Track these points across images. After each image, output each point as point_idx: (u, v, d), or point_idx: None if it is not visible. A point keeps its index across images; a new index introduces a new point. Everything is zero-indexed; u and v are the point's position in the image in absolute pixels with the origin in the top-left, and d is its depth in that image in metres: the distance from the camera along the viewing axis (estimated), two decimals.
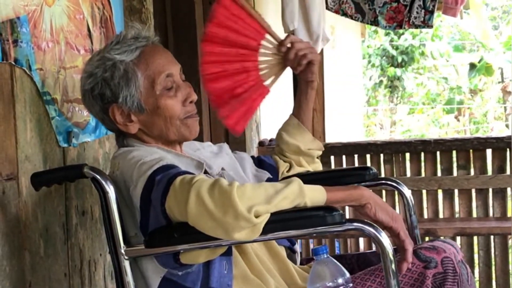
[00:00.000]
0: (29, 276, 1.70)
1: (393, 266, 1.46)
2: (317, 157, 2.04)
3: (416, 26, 3.97)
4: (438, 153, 3.78)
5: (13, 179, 1.65)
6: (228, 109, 1.78)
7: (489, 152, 3.74)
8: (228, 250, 1.60)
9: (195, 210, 1.44)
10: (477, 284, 3.79)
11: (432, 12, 3.88)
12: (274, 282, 1.68)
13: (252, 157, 1.99)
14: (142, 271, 1.63)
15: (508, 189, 3.74)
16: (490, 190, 3.71)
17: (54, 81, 1.83)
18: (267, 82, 1.84)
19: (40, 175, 1.70)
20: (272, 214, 1.45)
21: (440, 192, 3.82)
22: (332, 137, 5.01)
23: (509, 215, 3.74)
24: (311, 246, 3.97)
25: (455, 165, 3.79)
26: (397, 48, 14.24)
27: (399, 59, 14.19)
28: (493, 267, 3.77)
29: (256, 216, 1.42)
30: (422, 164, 3.82)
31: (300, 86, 1.98)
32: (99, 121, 1.80)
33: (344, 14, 4.08)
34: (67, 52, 1.90)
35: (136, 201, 1.57)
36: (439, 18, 10.15)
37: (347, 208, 3.54)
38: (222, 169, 1.81)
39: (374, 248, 3.67)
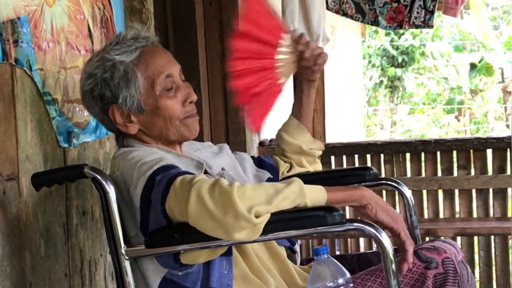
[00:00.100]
0: (30, 276, 1.70)
1: (393, 266, 1.46)
2: (318, 157, 2.04)
3: (417, 26, 3.97)
4: (438, 153, 3.77)
5: (13, 179, 1.65)
6: (249, 107, 1.78)
7: (489, 152, 3.74)
8: (228, 250, 1.60)
9: (195, 210, 1.45)
10: (477, 284, 3.78)
11: (432, 12, 3.89)
12: (274, 282, 1.68)
13: (252, 157, 1.99)
14: (143, 271, 1.63)
15: (509, 189, 3.73)
16: (491, 190, 3.71)
17: (55, 81, 1.83)
18: (281, 81, 1.83)
19: (40, 175, 1.70)
20: (273, 214, 1.45)
21: (440, 192, 3.82)
22: (332, 137, 5.01)
23: (509, 215, 3.74)
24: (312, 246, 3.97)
25: (455, 165, 3.78)
26: (397, 48, 14.24)
27: (400, 59, 14.18)
28: (494, 267, 3.76)
29: (257, 216, 1.42)
30: (423, 164, 3.82)
31: (301, 86, 1.97)
32: (99, 122, 1.80)
33: (345, 14, 4.08)
34: (67, 52, 1.90)
35: (136, 201, 1.57)
36: (439, 18, 10.15)
37: (347, 208, 3.54)
38: (222, 169, 1.81)
39: (374, 248, 3.68)
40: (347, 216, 1.50)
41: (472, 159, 3.74)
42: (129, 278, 1.61)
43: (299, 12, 3.52)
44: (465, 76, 14.62)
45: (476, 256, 3.83)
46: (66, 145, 1.87)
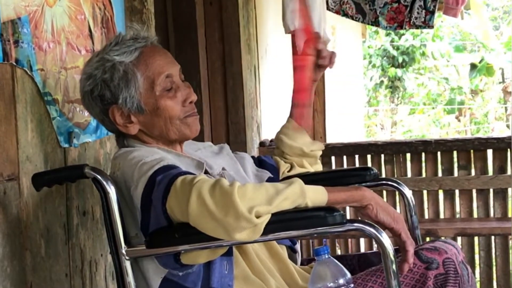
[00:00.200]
0: (30, 276, 1.70)
1: (394, 266, 1.46)
2: (318, 158, 2.04)
3: (417, 27, 3.97)
4: (439, 153, 3.77)
5: (14, 180, 1.65)
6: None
7: (490, 152, 3.74)
8: (229, 251, 1.60)
9: (196, 210, 1.45)
10: (478, 285, 3.78)
11: (433, 13, 3.88)
12: (274, 282, 1.68)
13: (253, 157, 1.99)
14: (143, 271, 1.63)
15: (509, 190, 3.73)
16: (491, 190, 3.71)
17: (55, 82, 1.83)
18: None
19: (41, 176, 1.70)
20: (273, 215, 1.45)
21: (441, 193, 3.82)
22: (333, 137, 5.00)
23: (510, 215, 3.74)
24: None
25: (456, 165, 3.78)
26: (398, 49, 14.23)
27: (400, 60, 14.18)
28: (494, 268, 3.76)
29: (257, 217, 1.42)
30: (423, 164, 3.82)
31: None
32: (99, 122, 1.81)
33: (345, 14, 4.08)
34: (68, 53, 1.90)
35: (137, 201, 1.57)
36: (439, 18, 10.15)
37: (347, 208, 3.54)
38: (223, 169, 1.81)
39: (375, 249, 3.68)
40: (348, 217, 1.50)
41: (472, 159, 3.74)
42: (130, 278, 1.61)
43: (299, 12, 3.51)
44: (465, 76, 14.62)
45: (477, 257, 3.83)
46: (66, 145, 1.87)
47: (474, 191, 3.77)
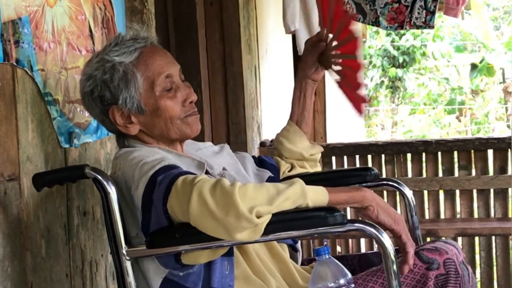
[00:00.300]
0: (31, 276, 1.70)
1: (394, 266, 1.46)
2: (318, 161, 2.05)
3: (418, 27, 3.97)
4: (439, 153, 3.77)
5: (14, 180, 1.65)
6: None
7: (490, 152, 3.74)
8: (230, 251, 1.60)
9: (197, 210, 1.45)
10: (478, 285, 3.78)
11: (433, 13, 3.88)
12: (275, 283, 1.68)
13: (253, 156, 1.99)
14: (144, 271, 1.63)
15: (510, 190, 3.73)
16: (492, 190, 3.71)
17: (56, 82, 1.83)
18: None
19: (41, 176, 1.70)
20: (274, 215, 1.45)
21: (441, 193, 3.82)
22: (333, 137, 5.00)
23: (510, 215, 3.74)
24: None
25: (456, 165, 3.78)
26: (398, 49, 14.22)
27: (401, 60, 14.17)
28: (495, 268, 3.76)
29: (258, 217, 1.42)
30: (424, 164, 3.82)
31: (306, 87, 1.97)
32: (100, 123, 1.81)
33: None
34: (68, 53, 1.90)
35: (138, 201, 1.57)
36: (440, 18, 10.13)
37: (348, 208, 3.54)
38: (224, 169, 1.81)
39: (375, 249, 3.67)
40: (348, 217, 1.50)
41: (473, 159, 3.74)
42: (130, 278, 1.61)
43: (300, 13, 3.52)
44: (466, 76, 14.61)
45: (477, 257, 3.83)
46: (67, 146, 1.87)
47: (474, 191, 3.77)
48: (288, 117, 2.02)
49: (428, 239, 3.43)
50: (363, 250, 4.12)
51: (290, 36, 4.09)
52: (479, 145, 3.72)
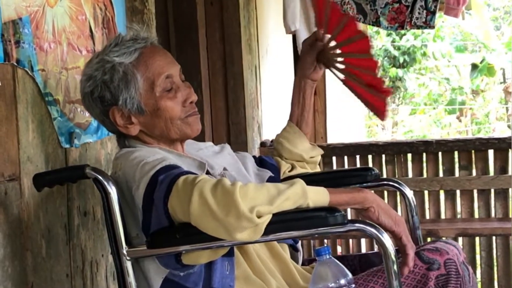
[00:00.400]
0: (31, 277, 1.70)
1: (395, 267, 1.46)
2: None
3: (418, 27, 3.97)
4: (440, 153, 3.77)
5: (15, 180, 1.65)
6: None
7: (491, 152, 3.74)
8: (230, 251, 1.60)
9: (198, 210, 1.45)
10: (479, 285, 3.78)
11: (434, 13, 3.88)
12: (275, 283, 1.68)
13: (254, 156, 1.99)
14: (144, 271, 1.63)
15: (510, 190, 3.73)
16: (492, 190, 3.71)
17: (56, 82, 1.83)
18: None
19: (42, 176, 1.70)
20: (274, 215, 1.45)
21: (442, 193, 3.82)
22: (333, 137, 5.00)
23: (511, 215, 3.74)
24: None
25: (457, 165, 3.78)
26: (399, 49, 14.22)
27: (401, 60, 14.16)
28: (495, 268, 3.76)
29: (258, 217, 1.42)
30: (424, 164, 3.82)
31: (305, 87, 1.97)
32: (100, 123, 1.81)
33: None
34: (69, 53, 1.90)
35: (139, 201, 1.57)
36: (441, 18, 10.13)
37: (348, 209, 3.53)
38: (224, 169, 1.81)
39: (376, 249, 3.67)
40: (349, 217, 1.50)
41: (473, 159, 3.74)
42: (131, 278, 1.61)
43: (300, 13, 3.52)
44: (466, 76, 14.60)
45: (478, 257, 3.83)
46: (67, 146, 1.87)
47: (475, 191, 3.77)
48: (288, 118, 2.02)
49: (429, 239, 3.43)
50: (363, 250, 4.12)
51: (290, 36, 4.09)
52: (480, 145, 3.72)
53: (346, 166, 3.87)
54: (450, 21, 13.86)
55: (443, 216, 3.85)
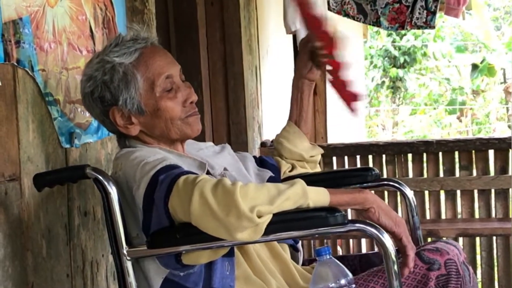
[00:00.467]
0: (32, 277, 1.70)
1: (395, 267, 1.46)
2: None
3: (418, 27, 3.97)
4: (440, 154, 3.77)
5: (15, 180, 1.65)
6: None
7: (491, 153, 3.73)
8: (230, 251, 1.60)
9: (198, 209, 1.45)
10: (479, 285, 3.78)
11: (434, 13, 3.88)
12: (276, 283, 1.68)
13: (254, 157, 1.99)
14: (144, 271, 1.63)
15: (510, 190, 3.73)
16: (493, 191, 3.71)
17: (57, 82, 1.83)
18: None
19: (42, 176, 1.70)
20: (275, 215, 1.45)
21: (442, 193, 3.82)
22: (334, 137, 5.00)
23: (511, 215, 3.74)
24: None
25: (457, 166, 3.78)
26: (399, 49, 14.23)
27: (401, 60, 14.17)
28: (496, 268, 3.76)
29: (259, 216, 1.42)
30: (425, 165, 3.82)
31: (303, 87, 1.97)
32: (100, 123, 1.81)
33: (346, 15, 4.08)
34: (69, 53, 1.90)
35: (139, 201, 1.57)
36: (441, 19, 10.13)
37: (349, 209, 3.53)
38: (225, 169, 1.81)
39: (376, 249, 3.67)
40: (349, 217, 1.51)
41: (474, 159, 3.74)
42: (131, 278, 1.61)
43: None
44: (467, 76, 14.61)
45: (478, 257, 3.83)
46: (68, 146, 1.87)
47: (475, 191, 3.77)
48: (287, 121, 2.02)
49: (429, 240, 3.43)
50: (364, 250, 4.12)
51: (290, 36, 4.09)
52: (480, 146, 3.72)
53: (346, 166, 3.87)
54: (450, 21, 13.87)
55: (443, 216, 3.85)
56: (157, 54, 1.73)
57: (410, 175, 3.85)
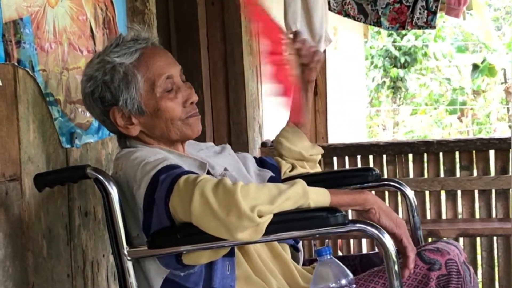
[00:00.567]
0: (32, 277, 1.70)
1: (396, 267, 1.46)
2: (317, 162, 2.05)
3: (419, 27, 3.97)
4: (441, 154, 3.77)
5: (16, 180, 1.65)
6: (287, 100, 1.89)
7: (492, 153, 3.73)
8: (231, 251, 1.60)
9: (199, 209, 1.45)
10: (480, 286, 3.78)
11: (435, 13, 3.88)
12: (276, 283, 1.68)
13: (254, 157, 1.99)
14: (145, 271, 1.63)
15: (511, 190, 3.73)
16: (493, 191, 3.71)
17: (57, 82, 1.83)
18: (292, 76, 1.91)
19: (43, 176, 1.70)
20: (275, 215, 1.45)
21: (443, 193, 3.82)
22: (334, 138, 5.00)
23: (511, 216, 3.73)
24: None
25: (458, 166, 3.78)
26: (400, 49, 14.22)
27: (402, 60, 14.17)
28: (496, 268, 3.76)
29: (259, 216, 1.42)
30: (425, 165, 3.82)
31: (300, 88, 1.97)
32: (101, 123, 1.81)
33: (347, 15, 4.08)
34: (70, 53, 1.90)
35: (140, 201, 1.57)
36: (442, 19, 10.13)
37: (350, 210, 3.53)
38: (225, 169, 1.81)
39: (377, 249, 3.67)
40: (350, 217, 1.51)
41: (474, 160, 3.74)
42: (132, 278, 1.61)
43: (301, 13, 3.52)
44: (467, 77, 14.60)
45: (479, 257, 3.82)
46: (68, 146, 1.87)
47: (476, 191, 3.76)
48: (287, 121, 2.02)
49: (430, 240, 3.42)
50: (364, 250, 4.12)
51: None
52: (481, 146, 3.71)
53: (347, 166, 3.87)
54: (451, 21, 13.87)
55: (444, 217, 3.85)
56: (157, 55, 1.73)
57: (411, 175, 3.85)
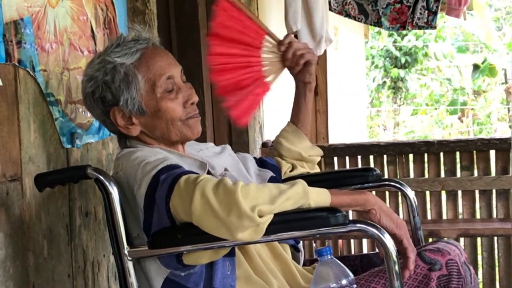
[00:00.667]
0: (33, 277, 1.70)
1: (396, 267, 1.46)
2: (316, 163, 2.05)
3: (420, 27, 3.97)
4: (441, 154, 3.77)
5: (16, 180, 1.65)
6: (233, 100, 1.79)
7: (492, 153, 3.74)
8: (231, 251, 1.60)
9: (199, 209, 1.45)
10: (480, 286, 3.78)
11: (435, 13, 3.88)
12: (277, 283, 1.68)
13: (254, 157, 1.99)
14: (145, 272, 1.63)
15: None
16: (494, 191, 3.71)
17: (58, 82, 1.84)
18: (268, 79, 1.85)
19: (43, 176, 1.70)
20: (276, 215, 1.45)
21: (443, 193, 3.82)
22: (335, 138, 5.01)
23: None
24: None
25: (458, 166, 3.78)
26: (400, 49, 14.22)
27: (403, 60, 14.17)
28: (497, 268, 3.76)
29: (260, 216, 1.42)
30: (426, 165, 3.82)
31: (298, 88, 1.98)
32: (101, 123, 1.81)
33: (348, 15, 4.08)
34: (70, 53, 1.90)
35: (140, 201, 1.57)
36: (442, 19, 10.13)
37: (350, 210, 3.53)
38: (225, 169, 1.81)
39: (377, 250, 3.67)
40: (350, 217, 1.51)
41: (475, 160, 3.74)
42: (132, 278, 1.61)
43: (302, 13, 3.52)
44: (468, 77, 14.60)
45: (479, 257, 3.83)
46: (69, 146, 1.87)
47: (476, 191, 3.77)
48: (287, 122, 2.03)
49: (430, 240, 3.42)
50: (365, 251, 4.12)
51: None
52: (481, 146, 3.72)
53: (347, 167, 3.87)
54: (451, 22, 13.87)
55: (444, 217, 3.85)
56: (158, 55, 1.73)
57: (411, 175, 3.85)
